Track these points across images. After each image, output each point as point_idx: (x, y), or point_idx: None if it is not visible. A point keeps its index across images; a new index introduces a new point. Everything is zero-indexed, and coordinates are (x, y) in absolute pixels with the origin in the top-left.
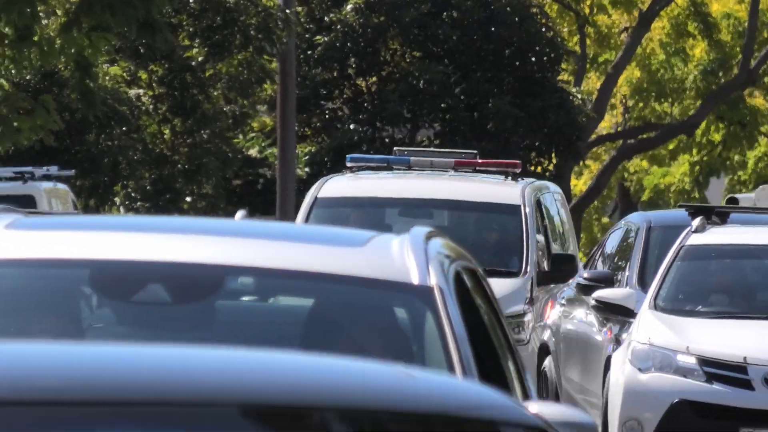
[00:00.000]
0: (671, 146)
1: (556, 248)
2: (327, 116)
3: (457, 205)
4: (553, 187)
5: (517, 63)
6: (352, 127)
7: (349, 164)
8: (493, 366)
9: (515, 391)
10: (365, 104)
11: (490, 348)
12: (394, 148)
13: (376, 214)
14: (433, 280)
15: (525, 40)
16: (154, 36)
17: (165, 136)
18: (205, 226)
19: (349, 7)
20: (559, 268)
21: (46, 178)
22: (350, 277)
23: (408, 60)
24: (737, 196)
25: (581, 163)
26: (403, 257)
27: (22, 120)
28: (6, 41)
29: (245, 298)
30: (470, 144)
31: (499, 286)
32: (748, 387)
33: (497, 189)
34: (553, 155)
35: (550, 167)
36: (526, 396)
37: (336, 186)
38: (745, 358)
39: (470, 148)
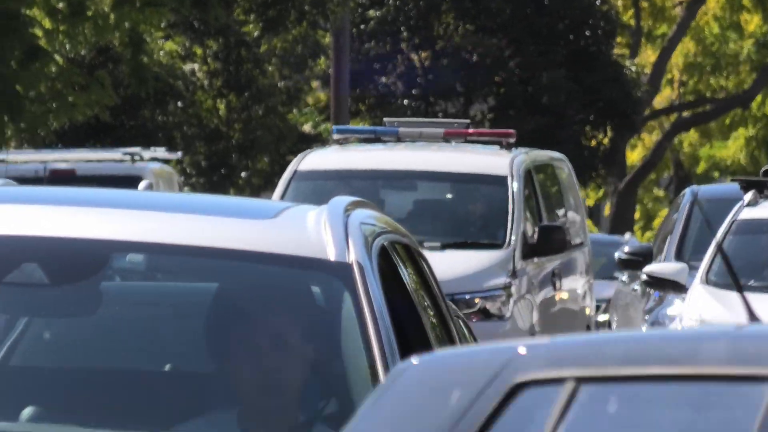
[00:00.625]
0: (727, 120)
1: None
2: (380, 91)
3: (442, 176)
4: (558, 157)
5: (571, 36)
6: (405, 102)
7: (335, 136)
8: (422, 347)
9: None
10: (418, 79)
11: (420, 328)
12: (384, 119)
13: (358, 188)
14: (353, 256)
15: (579, 13)
16: (207, 11)
17: (220, 112)
18: (93, 197)
19: None
20: (547, 240)
21: (154, 159)
22: (258, 253)
23: (461, 34)
24: None
25: (636, 137)
26: (319, 231)
27: (77, 95)
28: (60, 16)
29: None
30: (524, 118)
31: (480, 258)
32: None
33: (484, 159)
34: (607, 129)
35: (605, 141)
36: None
37: (318, 159)
38: None
39: (524, 122)
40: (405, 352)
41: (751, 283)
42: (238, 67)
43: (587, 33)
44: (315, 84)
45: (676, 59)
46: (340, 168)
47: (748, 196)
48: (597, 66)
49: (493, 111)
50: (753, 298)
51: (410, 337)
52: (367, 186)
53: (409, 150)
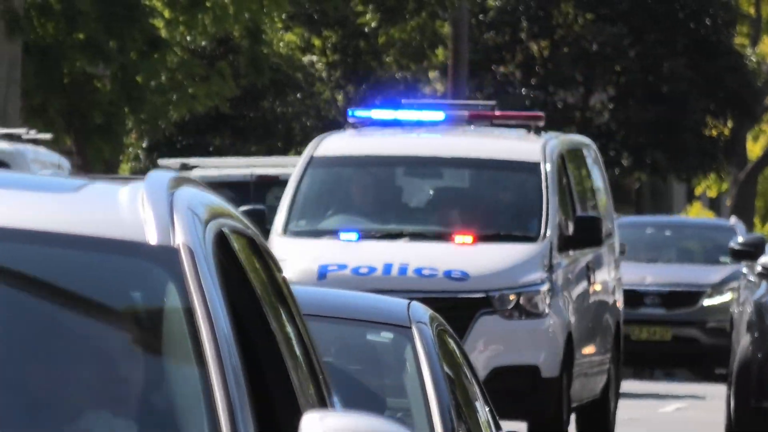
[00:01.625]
0: None
1: (586, 212)
2: (499, 80)
3: (471, 163)
4: (586, 141)
5: (691, 25)
6: (524, 91)
7: (351, 120)
8: (273, 367)
9: (300, 392)
10: (537, 68)
11: (270, 340)
12: (402, 101)
13: (378, 175)
14: (180, 239)
15: (698, 1)
16: (325, 2)
17: (338, 103)
18: None
19: None
20: (584, 232)
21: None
22: (50, 234)
23: (580, 23)
24: None
25: (757, 127)
26: (135, 208)
27: (197, 86)
28: (179, 7)
29: None
30: (644, 108)
31: (514, 252)
32: None
33: (515, 144)
34: (728, 119)
35: (726, 131)
36: (321, 398)
37: (335, 143)
38: None
39: (644, 112)
40: (252, 368)
41: None
42: (356, 58)
43: (707, 22)
44: (433, 74)
45: None
46: (358, 154)
47: None
48: (717, 55)
49: (613, 101)
50: None
51: (258, 351)
52: (387, 173)
53: (433, 134)
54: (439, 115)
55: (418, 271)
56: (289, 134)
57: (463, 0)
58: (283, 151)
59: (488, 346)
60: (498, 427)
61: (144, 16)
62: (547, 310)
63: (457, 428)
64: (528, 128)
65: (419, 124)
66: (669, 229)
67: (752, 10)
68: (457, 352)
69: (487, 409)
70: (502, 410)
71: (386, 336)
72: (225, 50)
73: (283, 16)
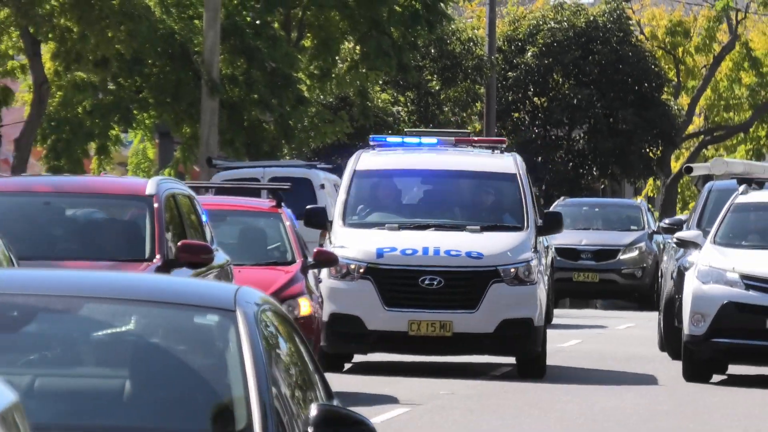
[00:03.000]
0: (734, 140)
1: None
2: (515, 122)
3: (469, 174)
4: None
5: (636, 87)
6: (530, 128)
7: (372, 143)
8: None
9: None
10: (539, 114)
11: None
12: (405, 130)
13: (405, 183)
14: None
15: (642, 72)
16: (407, 74)
17: None
18: None
19: (529, 54)
20: (551, 223)
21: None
22: None
23: (566, 86)
24: (692, 165)
25: (677, 151)
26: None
27: (327, 127)
28: (315, 77)
29: None
30: (606, 139)
31: (511, 238)
32: None
33: (497, 161)
34: (660, 146)
35: (658, 153)
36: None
37: (369, 160)
38: None
39: (606, 143)
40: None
41: (743, 243)
42: (426, 108)
43: (646, 85)
44: (474, 118)
45: (702, 102)
46: (388, 167)
47: (742, 187)
48: (653, 106)
49: (587, 135)
50: (745, 253)
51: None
52: (411, 182)
53: (434, 154)
54: (433, 140)
55: (448, 252)
56: None
57: (493, 71)
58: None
59: (498, 305)
60: (330, 395)
61: (294, 84)
62: (536, 279)
63: (272, 402)
64: (493, 149)
65: (420, 146)
66: (597, 207)
67: (675, 78)
68: (287, 332)
69: (318, 378)
70: (507, 349)
71: (212, 319)
72: (344, 104)
73: (380, 82)
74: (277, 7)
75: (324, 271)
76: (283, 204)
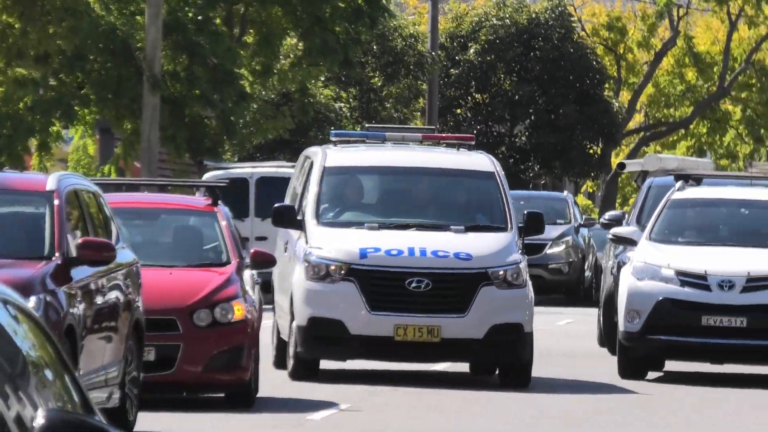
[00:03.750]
0: (674, 137)
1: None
2: (457, 119)
3: (447, 172)
4: None
5: (578, 84)
6: (472, 124)
7: (333, 138)
8: None
9: None
10: (482, 110)
11: None
12: (366, 125)
13: (378, 180)
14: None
15: (583, 69)
16: (349, 70)
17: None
18: None
19: (471, 50)
20: (533, 223)
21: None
22: None
23: (508, 83)
24: (625, 161)
25: (618, 147)
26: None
27: (268, 123)
28: (257, 74)
29: None
30: (548, 135)
31: (497, 239)
32: (707, 289)
33: (472, 159)
34: (600, 142)
35: (599, 150)
36: None
37: (338, 157)
38: (705, 270)
39: (548, 139)
40: None
41: (679, 239)
42: (368, 104)
43: (588, 81)
44: (416, 114)
45: (643, 98)
46: (361, 164)
47: (678, 184)
48: (594, 102)
49: (528, 131)
50: (681, 249)
51: None
52: (384, 179)
53: (403, 150)
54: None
55: (435, 253)
56: None
57: (435, 68)
58: None
59: (488, 309)
60: (87, 403)
61: (236, 80)
62: (524, 281)
63: (7, 401)
64: (458, 147)
65: (383, 140)
66: (523, 200)
67: (616, 74)
68: (33, 330)
69: (71, 382)
70: (496, 356)
71: None
72: (286, 100)
73: (322, 78)
74: (218, 2)
75: (298, 273)
76: (219, 202)
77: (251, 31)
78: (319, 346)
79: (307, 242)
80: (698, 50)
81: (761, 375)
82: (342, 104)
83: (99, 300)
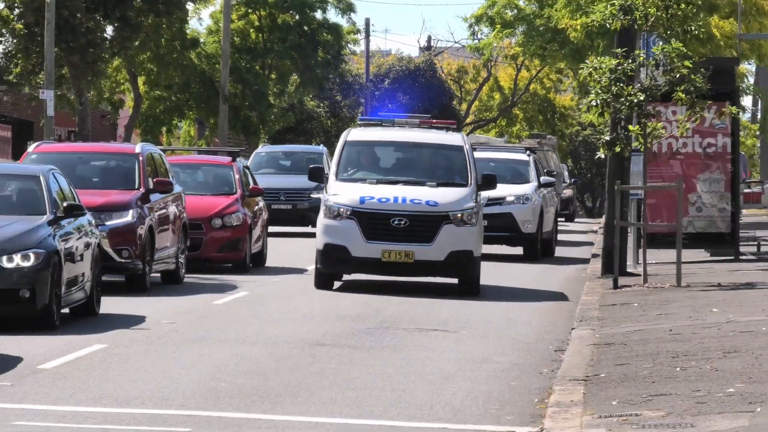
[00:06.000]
0: (490, 127)
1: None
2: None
3: (429, 145)
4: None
5: (437, 98)
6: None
7: (359, 122)
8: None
9: None
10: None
11: None
12: (381, 113)
13: (383, 151)
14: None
15: (442, 92)
16: (324, 91)
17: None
18: None
19: (386, 82)
20: (487, 182)
21: None
22: None
23: (405, 99)
24: None
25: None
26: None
27: (282, 119)
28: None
29: None
30: None
31: (458, 192)
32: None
33: (448, 137)
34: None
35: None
36: None
37: (357, 134)
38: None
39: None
40: None
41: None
42: (333, 110)
43: (444, 99)
44: (358, 114)
45: (474, 107)
46: (372, 139)
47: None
48: (446, 108)
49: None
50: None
51: None
52: (388, 150)
53: (406, 131)
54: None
55: (412, 200)
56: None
57: (367, 90)
58: None
59: (448, 240)
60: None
61: (266, 97)
62: (475, 222)
63: None
64: (447, 128)
65: (393, 125)
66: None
67: (459, 94)
68: None
69: None
70: (454, 273)
71: None
72: (290, 107)
73: (310, 96)
74: (258, 58)
75: (321, 213)
76: (236, 159)
77: (274, 72)
78: (331, 263)
79: (326, 192)
80: (501, 84)
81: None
82: (320, 110)
83: (164, 212)
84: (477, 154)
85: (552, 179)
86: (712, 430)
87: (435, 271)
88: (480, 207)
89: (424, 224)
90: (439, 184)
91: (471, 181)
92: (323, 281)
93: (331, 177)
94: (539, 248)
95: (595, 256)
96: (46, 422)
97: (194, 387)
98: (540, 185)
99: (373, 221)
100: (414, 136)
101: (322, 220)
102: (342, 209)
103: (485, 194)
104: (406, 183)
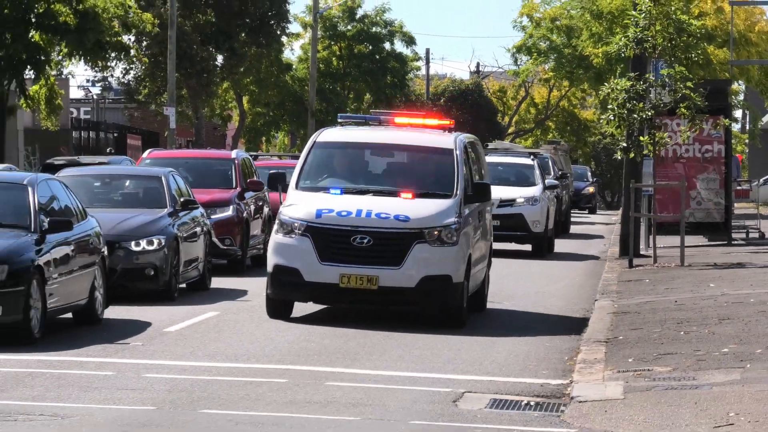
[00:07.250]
0: (527, 137)
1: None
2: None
3: (411, 148)
4: (475, 138)
5: (485, 115)
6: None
7: (339, 120)
8: None
9: None
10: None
11: None
12: (371, 110)
13: (353, 154)
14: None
15: (488, 107)
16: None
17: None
18: None
19: (441, 100)
20: (479, 192)
21: None
22: None
23: (458, 114)
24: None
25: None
26: None
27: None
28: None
29: None
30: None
31: (438, 204)
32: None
33: (437, 138)
34: (491, 138)
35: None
36: None
37: (330, 135)
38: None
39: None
40: None
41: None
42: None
43: (489, 113)
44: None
45: (515, 119)
46: (345, 141)
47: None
48: (493, 124)
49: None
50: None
51: None
52: (362, 153)
53: (388, 131)
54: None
55: (378, 214)
56: None
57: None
58: None
59: (419, 263)
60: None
61: (344, 111)
62: (457, 240)
63: None
64: (443, 129)
65: (380, 122)
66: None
67: (501, 109)
68: None
69: None
70: (428, 302)
71: None
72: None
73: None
74: (337, 81)
75: (274, 228)
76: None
77: (351, 92)
78: (281, 289)
79: (282, 203)
80: (536, 100)
81: None
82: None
83: (255, 207)
84: (486, 159)
85: (556, 182)
86: (710, 382)
87: (403, 299)
88: (468, 222)
89: (392, 243)
90: (418, 195)
91: (457, 191)
92: (275, 309)
93: (291, 185)
94: (546, 246)
95: (605, 244)
96: (171, 374)
97: (289, 346)
98: (545, 188)
99: (330, 239)
100: (396, 138)
101: (273, 236)
102: (296, 224)
103: (496, 196)
104: (376, 193)
